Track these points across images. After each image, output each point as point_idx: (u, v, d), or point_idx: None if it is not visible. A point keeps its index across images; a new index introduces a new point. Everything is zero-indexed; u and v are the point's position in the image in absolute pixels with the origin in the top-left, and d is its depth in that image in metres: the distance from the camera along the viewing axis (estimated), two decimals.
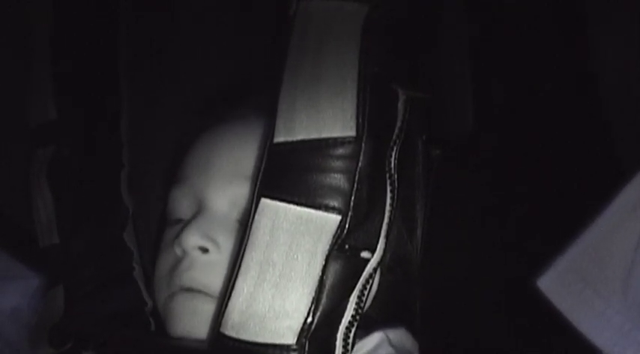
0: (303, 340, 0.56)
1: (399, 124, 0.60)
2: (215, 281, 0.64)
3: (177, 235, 0.66)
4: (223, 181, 0.67)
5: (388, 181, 0.59)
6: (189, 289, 0.65)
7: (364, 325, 0.60)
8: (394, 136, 0.59)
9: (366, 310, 0.61)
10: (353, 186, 0.57)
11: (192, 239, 0.65)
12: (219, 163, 0.68)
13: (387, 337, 0.64)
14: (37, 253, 0.69)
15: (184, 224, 0.67)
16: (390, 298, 0.65)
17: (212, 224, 0.66)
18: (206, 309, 0.64)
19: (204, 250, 0.65)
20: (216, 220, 0.66)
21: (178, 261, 0.66)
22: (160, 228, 0.73)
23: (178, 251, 0.66)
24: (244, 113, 0.70)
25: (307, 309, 0.56)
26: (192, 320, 0.65)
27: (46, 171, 0.69)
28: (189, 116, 0.77)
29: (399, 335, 0.65)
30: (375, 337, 0.63)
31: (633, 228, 0.54)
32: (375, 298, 0.64)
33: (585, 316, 0.54)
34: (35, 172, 0.69)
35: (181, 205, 0.69)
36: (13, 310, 0.70)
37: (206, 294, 0.65)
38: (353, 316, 0.59)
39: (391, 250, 0.64)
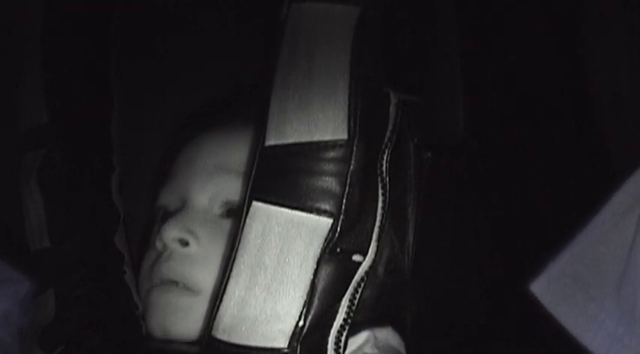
0: (295, 344, 0.56)
1: (390, 127, 0.60)
2: (193, 274, 0.65)
3: (158, 230, 0.67)
4: (205, 177, 0.68)
5: (380, 184, 0.59)
6: (167, 282, 0.66)
7: (353, 325, 0.60)
8: (386, 140, 0.59)
9: (356, 315, 0.61)
10: (344, 189, 0.57)
11: (172, 232, 0.66)
12: (202, 161, 0.69)
13: (374, 336, 0.64)
14: (28, 257, 0.69)
15: (166, 219, 0.69)
16: (380, 302, 0.64)
17: (192, 218, 0.67)
18: (182, 302, 0.65)
19: (184, 243, 0.66)
20: (196, 215, 0.67)
21: (159, 255, 0.67)
22: (148, 229, 0.73)
23: (159, 245, 0.67)
24: (231, 119, 0.71)
25: (299, 312, 0.56)
26: (168, 313, 0.66)
27: (36, 174, 0.68)
28: (180, 120, 0.78)
29: (385, 334, 0.65)
30: (362, 336, 0.63)
31: (626, 231, 0.54)
32: (365, 302, 0.64)
33: (578, 320, 0.54)
34: (26, 176, 0.69)
35: (168, 203, 0.71)
36: (4, 313, 0.70)
37: (183, 286, 0.66)
38: (344, 320, 0.58)
39: (382, 254, 0.63)
